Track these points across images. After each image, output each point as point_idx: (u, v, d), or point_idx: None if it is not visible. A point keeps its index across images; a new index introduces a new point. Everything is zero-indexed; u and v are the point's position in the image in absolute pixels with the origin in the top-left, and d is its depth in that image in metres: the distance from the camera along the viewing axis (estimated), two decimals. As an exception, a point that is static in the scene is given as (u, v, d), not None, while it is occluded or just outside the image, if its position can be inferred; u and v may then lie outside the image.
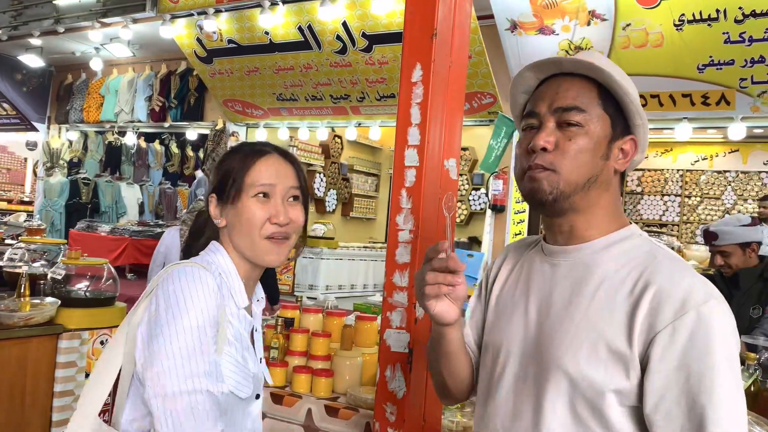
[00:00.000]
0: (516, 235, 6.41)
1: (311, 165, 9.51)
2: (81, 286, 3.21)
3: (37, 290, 3.11)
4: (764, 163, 8.16)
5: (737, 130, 5.38)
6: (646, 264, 1.01)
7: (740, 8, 4.76)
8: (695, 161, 8.54)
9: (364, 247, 8.59)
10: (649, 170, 8.79)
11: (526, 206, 6.52)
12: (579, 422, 0.98)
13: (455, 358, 1.18)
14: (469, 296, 1.21)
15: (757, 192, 8.15)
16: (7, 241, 4.91)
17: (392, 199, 1.73)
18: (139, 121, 8.72)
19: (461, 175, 8.82)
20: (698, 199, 8.54)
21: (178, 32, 7.05)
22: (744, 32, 4.88)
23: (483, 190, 9.00)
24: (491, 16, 5.45)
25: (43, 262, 3.76)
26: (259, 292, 1.39)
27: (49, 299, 3.01)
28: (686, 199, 8.60)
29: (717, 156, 8.41)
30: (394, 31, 5.92)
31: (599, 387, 0.96)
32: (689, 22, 5.00)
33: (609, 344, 0.97)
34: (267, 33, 6.61)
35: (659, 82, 5.33)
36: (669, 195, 8.69)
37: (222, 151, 8.02)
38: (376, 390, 1.77)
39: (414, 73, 1.69)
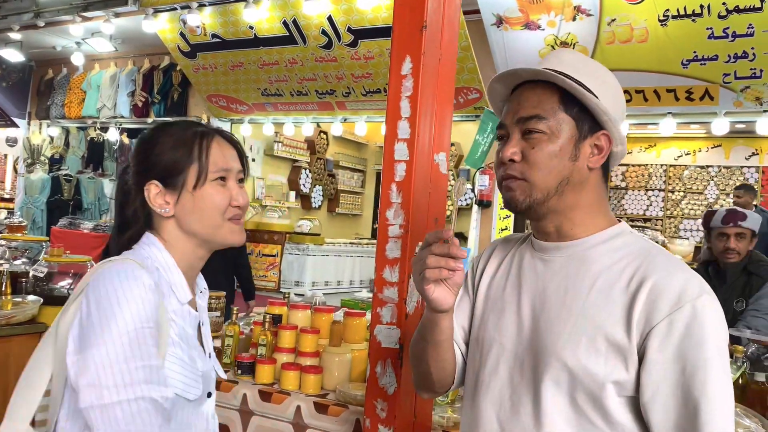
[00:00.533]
0: (502, 230, 6.43)
1: (297, 161, 9.46)
2: (63, 284, 3.16)
3: (19, 288, 3.06)
4: (746, 158, 8.26)
5: (721, 125, 5.42)
6: (641, 259, 1.03)
7: (724, 4, 4.79)
8: (678, 156, 8.62)
9: (350, 243, 8.57)
10: (633, 165, 8.87)
11: (512, 201, 6.53)
12: (579, 413, 1.01)
13: (444, 349, 1.17)
14: None
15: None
16: (-12, 239, 4.82)
17: (382, 194, 1.71)
18: (122, 117, 8.61)
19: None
20: (681, 193, 8.62)
21: (161, 26, 6.97)
22: (728, 28, 4.92)
23: (469, 186, 9.02)
24: (477, 11, 5.45)
25: (24, 259, 3.69)
26: (201, 283, 1.32)
27: (31, 297, 2.96)
28: (670, 194, 8.68)
29: (700, 151, 8.49)
30: (380, 26, 5.88)
31: (600, 379, 0.99)
32: (674, 17, 5.03)
33: (608, 337, 0.99)
34: (251, 27, 6.55)
35: (644, 78, 5.37)
36: (653, 190, 8.76)
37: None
38: (366, 386, 1.76)
39: (404, 65, 1.67)
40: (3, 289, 2.86)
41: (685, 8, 4.94)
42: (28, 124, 9.90)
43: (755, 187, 8.12)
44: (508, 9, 5.39)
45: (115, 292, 1.06)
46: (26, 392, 1.15)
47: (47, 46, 8.61)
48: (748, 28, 4.86)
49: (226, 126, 8.10)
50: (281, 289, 7.50)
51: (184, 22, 6.60)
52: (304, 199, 9.64)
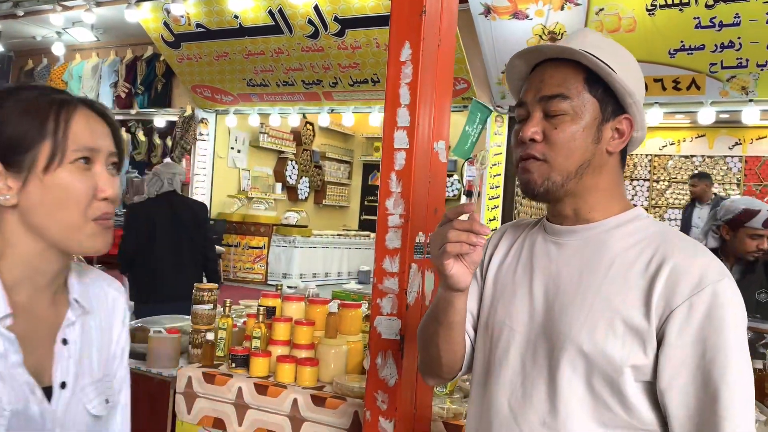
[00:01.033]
0: (490, 221, 6.43)
1: (283, 152, 9.39)
2: None
3: None
4: (729, 148, 8.34)
5: (707, 115, 5.46)
6: (658, 242, 1.02)
7: (711, -7, 4.82)
8: (663, 146, 8.68)
9: (338, 234, 8.53)
10: (618, 155, 8.92)
11: (500, 192, 6.54)
12: (596, 398, 0.99)
13: (457, 331, 1.15)
14: None
15: (722, 176, 8.32)
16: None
17: (381, 183, 1.68)
18: (104, 108, 8.50)
19: (434, 161, 8.82)
20: (666, 183, 8.69)
21: (144, 16, 6.86)
22: (714, 17, 4.94)
23: (456, 177, 9.02)
24: (465, 0, 5.42)
25: None
26: (74, 291, 1.01)
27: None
28: (654, 184, 8.75)
29: (684, 141, 8.56)
30: (368, 15, 5.83)
31: (618, 363, 0.97)
32: (661, 7, 5.04)
33: (626, 320, 0.98)
34: (236, 17, 6.46)
35: (632, 67, 5.39)
36: (638, 180, 8.82)
37: (191, 140, 7.85)
38: (366, 378, 1.73)
39: (403, 51, 1.64)
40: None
41: (672, -3, 4.96)
42: (8, 116, 9.72)
43: (738, 176, 8.22)
44: (496, -2, 5.37)
45: None
46: None
47: (27, 36, 8.44)
48: (735, 17, 4.88)
49: (210, 117, 8.00)
50: (269, 282, 7.46)
51: (168, 12, 6.49)
52: (291, 191, 9.57)
